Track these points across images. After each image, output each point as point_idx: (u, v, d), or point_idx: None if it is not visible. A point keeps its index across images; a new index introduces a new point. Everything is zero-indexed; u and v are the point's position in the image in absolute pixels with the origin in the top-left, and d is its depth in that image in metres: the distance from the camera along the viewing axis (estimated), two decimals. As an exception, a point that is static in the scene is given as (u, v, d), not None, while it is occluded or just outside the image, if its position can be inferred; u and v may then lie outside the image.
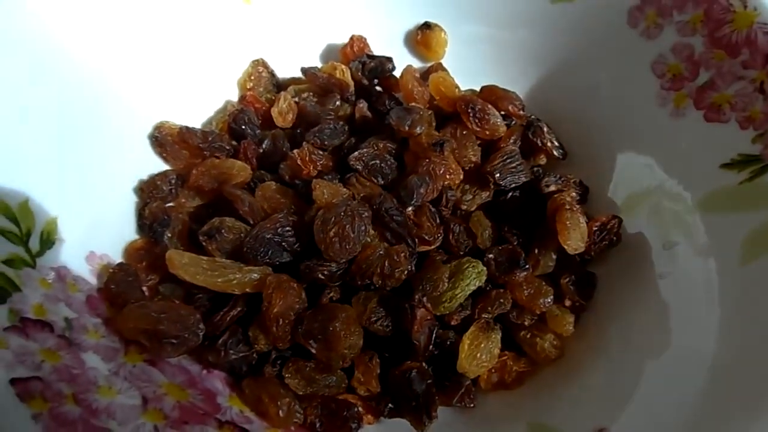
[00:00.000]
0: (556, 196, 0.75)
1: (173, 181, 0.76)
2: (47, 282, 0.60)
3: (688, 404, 0.62)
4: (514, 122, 0.84)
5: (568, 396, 0.69)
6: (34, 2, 0.66)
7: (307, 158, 0.75)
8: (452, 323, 0.70)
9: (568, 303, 0.74)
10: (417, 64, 0.90)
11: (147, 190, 0.74)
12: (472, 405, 0.69)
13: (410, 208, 0.71)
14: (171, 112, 0.79)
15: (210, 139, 0.77)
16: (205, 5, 0.82)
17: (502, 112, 0.81)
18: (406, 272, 0.68)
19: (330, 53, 0.90)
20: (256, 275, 0.66)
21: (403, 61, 0.87)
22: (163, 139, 0.77)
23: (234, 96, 0.86)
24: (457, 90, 0.82)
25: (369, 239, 0.68)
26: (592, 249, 0.74)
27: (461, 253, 0.73)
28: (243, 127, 0.80)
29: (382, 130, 0.79)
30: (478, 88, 0.85)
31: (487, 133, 0.79)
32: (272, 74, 0.87)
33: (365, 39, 0.88)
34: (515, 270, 0.71)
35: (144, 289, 0.69)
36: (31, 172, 0.63)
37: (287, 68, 0.87)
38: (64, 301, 0.60)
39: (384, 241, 0.69)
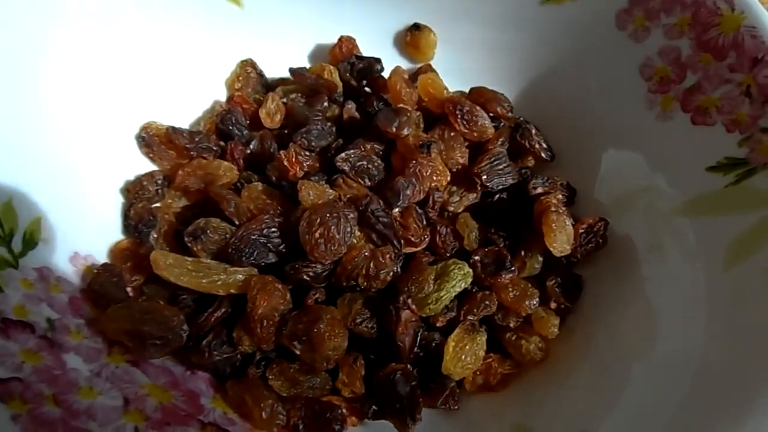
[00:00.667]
0: (542, 198, 0.75)
1: (159, 182, 0.76)
2: (29, 282, 0.59)
3: (674, 407, 0.62)
4: (502, 124, 0.84)
5: (553, 398, 0.69)
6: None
7: (293, 159, 0.75)
8: (437, 325, 0.70)
9: (553, 305, 0.74)
10: (406, 65, 0.89)
11: (133, 191, 0.74)
12: (456, 407, 0.68)
13: (397, 210, 0.71)
14: (158, 113, 0.79)
15: (197, 139, 0.77)
16: (194, 5, 0.82)
17: (491, 114, 0.81)
18: (391, 274, 0.68)
19: (319, 54, 0.89)
20: (240, 276, 0.66)
21: (392, 62, 0.87)
22: (150, 140, 0.77)
23: (222, 96, 0.86)
24: (445, 91, 0.82)
25: (355, 240, 0.68)
26: (578, 251, 0.74)
27: (447, 254, 0.73)
28: (230, 127, 0.80)
29: (370, 131, 0.78)
30: (466, 90, 0.85)
31: (475, 134, 0.79)
32: (261, 75, 0.87)
33: (354, 40, 0.88)
34: (501, 272, 0.71)
35: (128, 289, 0.68)
36: (15, 171, 0.63)
37: (276, 69, 0.87)
38: (46, 301, 0.60)
39: (370, 242, 0.69)
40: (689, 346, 0.65)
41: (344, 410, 0.66)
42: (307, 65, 0.88)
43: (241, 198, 0.72)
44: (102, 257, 0.70)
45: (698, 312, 0.66)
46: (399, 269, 0.70)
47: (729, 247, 0.66)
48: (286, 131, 0.80)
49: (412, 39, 0.89)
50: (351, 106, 0.83)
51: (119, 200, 0.74)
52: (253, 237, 0.67)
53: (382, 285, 0.68)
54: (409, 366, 0.67)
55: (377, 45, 0.89)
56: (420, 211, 0.72)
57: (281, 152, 0.75)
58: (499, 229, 0.76)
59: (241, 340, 0.66)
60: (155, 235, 0.72)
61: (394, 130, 0.75)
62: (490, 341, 0.71)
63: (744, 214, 0.66)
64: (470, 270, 0.70)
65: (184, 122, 0.82)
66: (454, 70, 0.87)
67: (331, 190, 0.71)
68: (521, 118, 0.84)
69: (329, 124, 0.80)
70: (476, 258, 0.72)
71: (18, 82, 0.65)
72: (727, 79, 0.70)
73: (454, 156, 0.78)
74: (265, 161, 0.77)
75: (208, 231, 0.68)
